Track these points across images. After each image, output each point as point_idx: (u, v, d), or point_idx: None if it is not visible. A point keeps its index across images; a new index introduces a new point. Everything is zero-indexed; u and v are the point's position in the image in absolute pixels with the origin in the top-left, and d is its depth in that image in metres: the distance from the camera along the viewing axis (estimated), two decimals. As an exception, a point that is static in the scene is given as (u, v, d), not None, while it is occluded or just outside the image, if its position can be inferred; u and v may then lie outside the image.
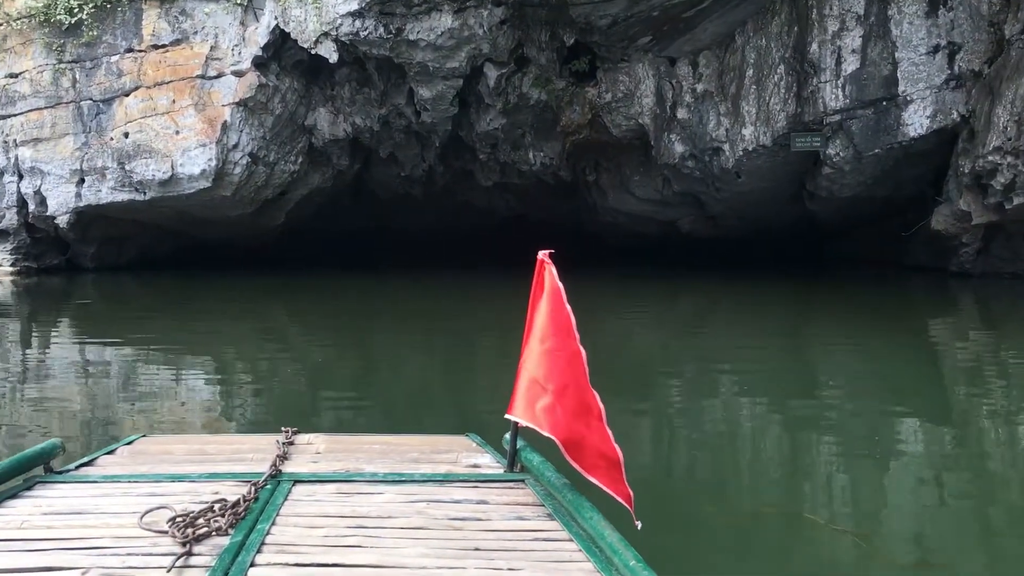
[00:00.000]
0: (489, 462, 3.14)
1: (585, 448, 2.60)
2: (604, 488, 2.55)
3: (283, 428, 3.47)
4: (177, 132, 16.21)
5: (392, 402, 7.01)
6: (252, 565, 2.07)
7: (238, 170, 16.59)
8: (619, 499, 2.54)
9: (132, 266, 19.76)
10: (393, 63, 16.37)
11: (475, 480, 2.87)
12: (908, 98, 14.80)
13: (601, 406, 2.61)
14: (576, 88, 17.63)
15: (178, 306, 14.48)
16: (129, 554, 2.13)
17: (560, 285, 2.74)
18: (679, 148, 17.58)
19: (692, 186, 18.82)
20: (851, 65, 14.97)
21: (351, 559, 2.11)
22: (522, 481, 2.84)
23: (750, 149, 16.50)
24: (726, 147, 16.97)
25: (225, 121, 16.19)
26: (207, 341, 10.15)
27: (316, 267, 20.81)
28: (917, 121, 14.82)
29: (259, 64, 16.27)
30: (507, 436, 3.06)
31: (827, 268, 20.82)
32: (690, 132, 17.33)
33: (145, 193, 16.65)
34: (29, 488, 2.71)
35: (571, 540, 2.29)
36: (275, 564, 2.08)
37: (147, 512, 2.39)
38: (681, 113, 17.33)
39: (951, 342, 10.60)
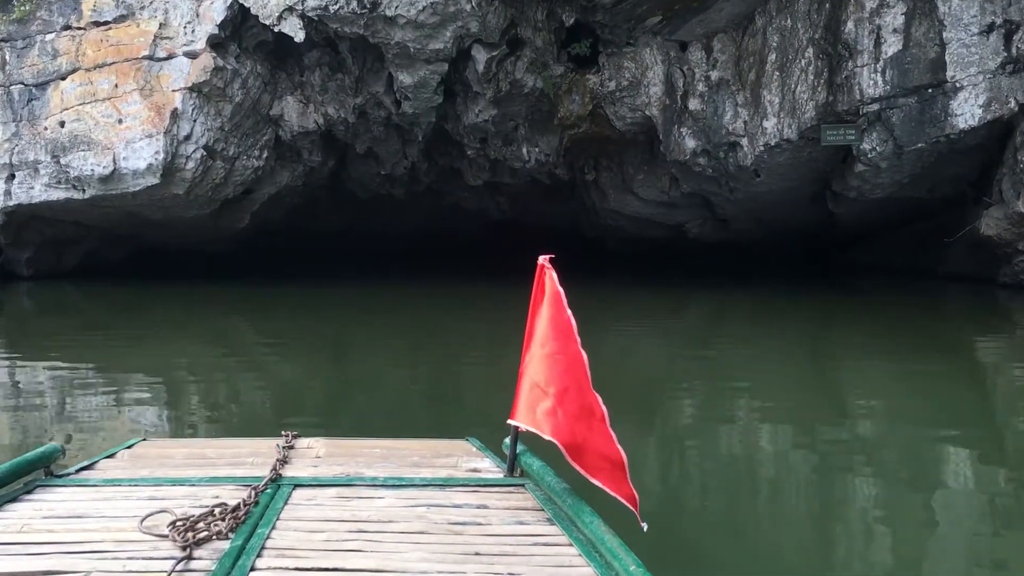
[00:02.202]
0: (489, 467, 3.14)
1: (587, 451, 2.58)
2: (608, 490, 2.52)
3: (283, 432, 3.45)
4: (120, 121, 14.18)
5: (372, 417, 6.41)
6: (252, 569, 2.08)
7: (191, 165, 14.56)
8: (623, 501, 2.50)
9: (76, 274, 17.74)
10: (368, 44, 14.42)
11: (475, 484, 2.88)
12: (957, 84, 12.93)
13: (604, 408, 2.59)
14: (576, 75, 15.78)
15: (124, 320, 12.85)
16: (130, 558, 2.14)
17: (560, 289, 2.75)
18: (690, 143, 15.74)
19: (703, 186, 17.09)
20: (892, 47, 13.10)
21: (351, 563, 2.12)
22: (522, 486, 2.84)
23: (772, 143, 14.65)
24: (744, 141, 15.12)
25: (175, 108, 14.18)
26: (154, 360, 8.90)
27: (288, 275, 19.01)
28: (968, 111, 12.95)
29: (215, 44, 14.30)
30: (507, 440, 3.04)
31: (848, 277, 19.33)
32: (703, 125, 15.48)
33: (84, 191, 14.58)
34: (29, 492, 2.71)
35: (571, 545, 2.29)
36: (275, 568, 2.09)
37: (147, 516, 2.40)
38: (693, 104, 15.50)
39: (1006, 363, 9.35)
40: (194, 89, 14.26)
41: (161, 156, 14.06)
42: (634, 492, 2.50)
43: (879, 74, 13.19)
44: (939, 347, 10.05)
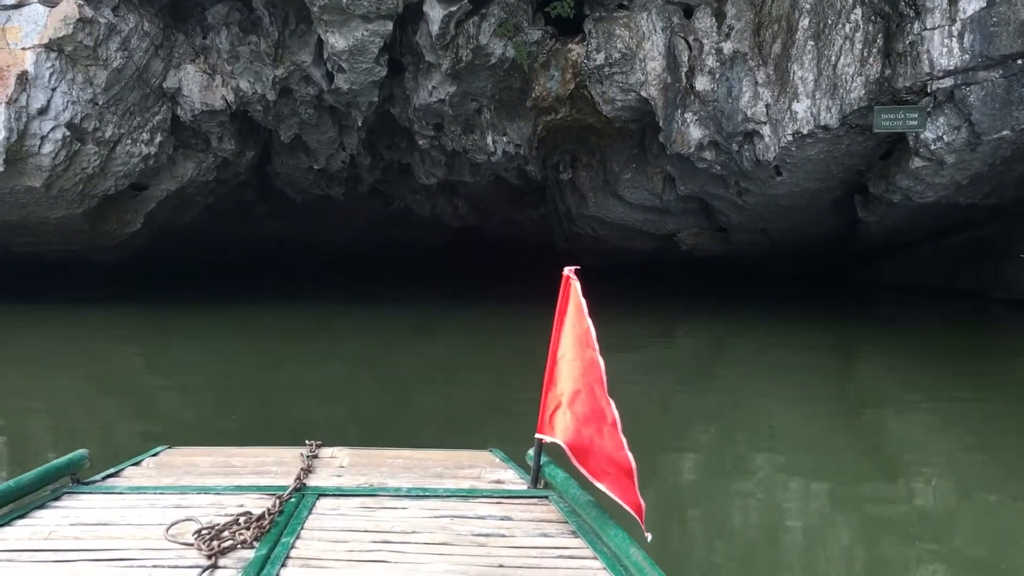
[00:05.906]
0: (512, 478, 3.11)
1: (593, 454, 2.55)
2: (612, 495, 2.49)
3: (307, 441, 3.43)
4: (-52, 87, 10.56)
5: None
6: None
7: (49, 148, 11.06)
8: (628, 508, 2.46)
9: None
10: (289, -7, 11.04)
11: (499, 496, 2.84)
12: (1056, 54, 9.97)
13: (616, 413, 2.56)
14: (555, 43, 12.67)
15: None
16: (155, 566, 2.15)
17: (583, 300, 2.76)
18: (696, 132, 12.65)
19: (705, 187, 14.18)
20: (972, 4, 10.10)
21: (375, 574, 2.12)
22: (546, 498, 2.81)
23: (804, 132, 11.58)
24: (766, 130, 12.02)
25: (25, 72, 10.70)
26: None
27: (196, 292, 15.71)
28: (1068, 88, 9.99)
29: (84, -11, 10.77)
30: (531, 452, 3.01)
31: (874, 298, 16.83)
32: (713, 110, 12.38)
33: (-99, 180, 10.92)
34: (56, 498, 2.72)
35: (595, 558, 2.26)
36: None
37: (173, 524, 2.42)
38: (701, 83, 12.38)
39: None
40: (52, 47, 10.78)
41: (3, 135, 10.52)
42: (640, 500, 2.42)
43: (955, 39, 10.18)
44: (997, 385, 8.71)
